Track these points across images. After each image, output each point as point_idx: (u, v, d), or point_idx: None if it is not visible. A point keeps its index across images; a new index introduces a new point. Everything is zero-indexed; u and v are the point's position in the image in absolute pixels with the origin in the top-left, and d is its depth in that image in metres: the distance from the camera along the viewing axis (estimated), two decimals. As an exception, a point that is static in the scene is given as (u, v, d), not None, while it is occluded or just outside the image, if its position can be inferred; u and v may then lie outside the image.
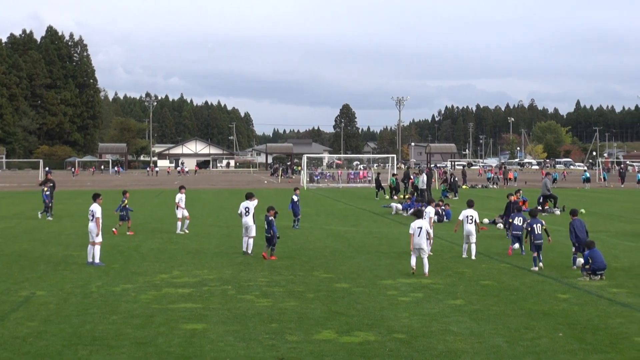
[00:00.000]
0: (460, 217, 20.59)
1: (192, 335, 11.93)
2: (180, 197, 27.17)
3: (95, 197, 20.36)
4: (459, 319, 13.17)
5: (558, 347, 11.20)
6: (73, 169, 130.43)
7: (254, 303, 14.53)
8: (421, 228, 17.92)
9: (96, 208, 19.76)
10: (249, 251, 21.39)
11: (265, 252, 20.57)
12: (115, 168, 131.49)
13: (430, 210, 21.90)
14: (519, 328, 12.45)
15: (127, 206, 27.78)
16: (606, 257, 18.30)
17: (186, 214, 27.55)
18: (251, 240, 21.54)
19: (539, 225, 19.20)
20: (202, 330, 12.27)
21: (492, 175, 78.86)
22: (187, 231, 27.27)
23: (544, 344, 11.42)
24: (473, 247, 20.62)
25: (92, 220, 19.65)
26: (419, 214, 18.91)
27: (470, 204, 20.96)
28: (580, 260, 18.17)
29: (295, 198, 29.45)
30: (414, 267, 18.00)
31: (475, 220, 20.42)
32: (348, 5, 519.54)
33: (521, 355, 10.78)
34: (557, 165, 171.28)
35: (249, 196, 22.15)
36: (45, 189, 34.55)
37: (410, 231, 18.09)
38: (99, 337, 11.78)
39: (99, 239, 19.62)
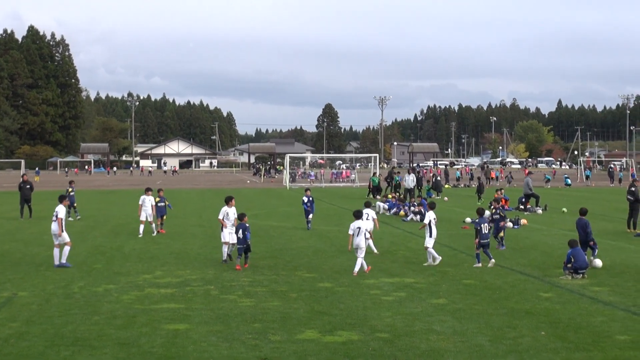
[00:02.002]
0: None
1: (174, 335, 11.89)
2: (144, 199, 26.44)
3: (61, 199, 20.29)
4: (441, 318, 13.20)
5: (540, 346, 11.26)
6: (67, 169, 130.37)
7: (237, 303, 14.51)
8: (360, 228, 18.21)
9: (60, 209, 19.65)
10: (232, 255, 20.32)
11: (239, 265, 19.14)
12: (114, 168, 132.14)
13: (369, 212, 21.84)
14: (502, 327, 12.50)
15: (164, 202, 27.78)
16: (588, 256, 18.44)
17: (149, 218, 26.69)
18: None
19: (485, 225, 19.46)
20: (184, 330, 12.24)
21: (460, 174, 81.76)
22: (140, 235, 26.22)
23: (527, 342, 11.47)
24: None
25: (55, 220, 19.52)
26: (358, 215, 18.87)
27: (433, 207, 20.63)
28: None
29: (305, 199, 29.18)
30: (357, 272, 17.90)
31: None
32: (330, 6, 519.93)
33: (504, 354, 10.83)
34: (539, 165, 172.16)
35: (228, 200, 20.94)
36: (70, 189, 34.21)
37: (350, 232, 18.35)
38: (81, 337, 11.73)
39: (62, 239, 19.37)
